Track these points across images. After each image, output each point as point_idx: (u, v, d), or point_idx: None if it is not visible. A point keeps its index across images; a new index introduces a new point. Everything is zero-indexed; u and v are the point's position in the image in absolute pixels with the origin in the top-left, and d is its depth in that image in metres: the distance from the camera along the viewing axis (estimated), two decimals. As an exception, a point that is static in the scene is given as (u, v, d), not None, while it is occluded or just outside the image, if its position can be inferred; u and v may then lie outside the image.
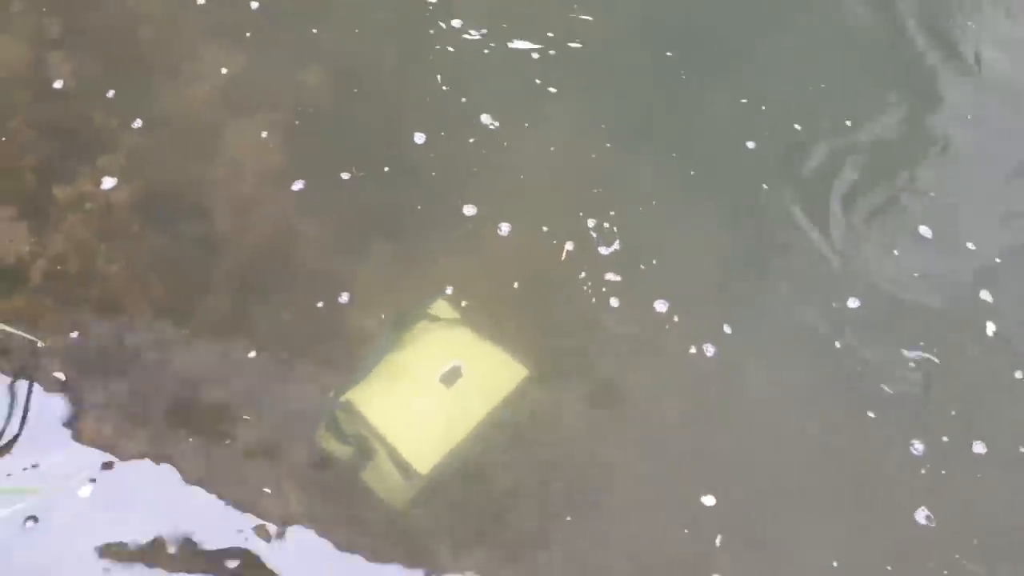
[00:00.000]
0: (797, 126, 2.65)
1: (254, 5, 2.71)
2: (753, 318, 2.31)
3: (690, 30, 2.84)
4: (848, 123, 2.68)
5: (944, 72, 2.84)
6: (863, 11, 2.94)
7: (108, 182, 2.33)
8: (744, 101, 2.69)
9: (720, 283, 2.37)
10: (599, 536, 1.99)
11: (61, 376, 2.05)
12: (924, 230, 2.51)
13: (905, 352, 2.29)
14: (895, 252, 2.47)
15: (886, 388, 2.23)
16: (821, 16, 2.94)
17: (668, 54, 2.77)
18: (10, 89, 2.46)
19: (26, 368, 2.04)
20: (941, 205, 2.57)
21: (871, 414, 2.18)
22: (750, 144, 2.60)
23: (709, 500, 2.04)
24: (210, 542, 1.89)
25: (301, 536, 1.92)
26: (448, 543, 1.94)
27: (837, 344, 2.28)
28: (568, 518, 2.00)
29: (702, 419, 2.16)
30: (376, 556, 1.92)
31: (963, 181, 2.62)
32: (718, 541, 2.00)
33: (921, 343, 2.30)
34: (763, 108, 2.68)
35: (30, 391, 2.02)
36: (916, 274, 2.44)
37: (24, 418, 1.98)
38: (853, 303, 2.35)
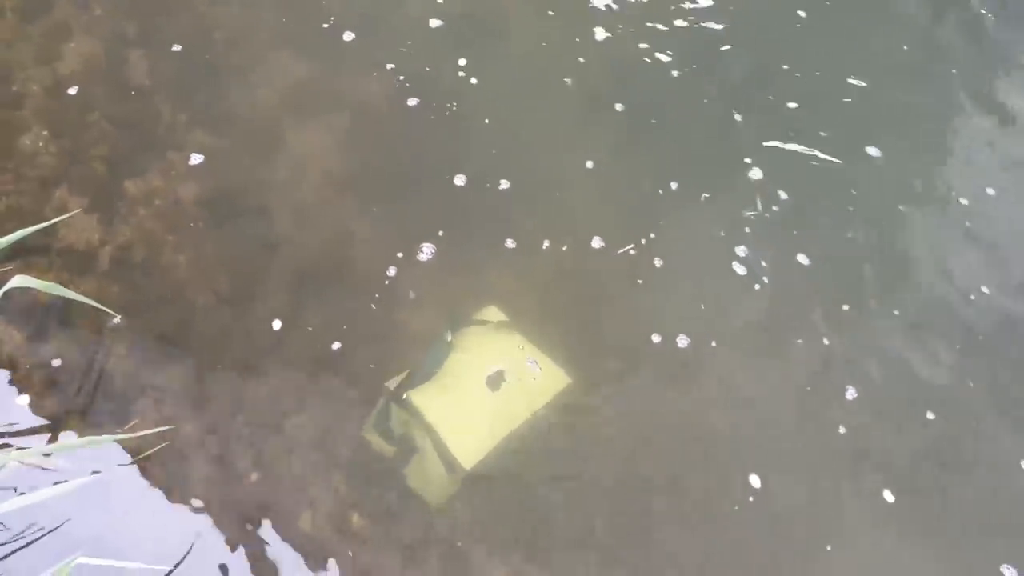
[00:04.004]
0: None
1: (323, 18, 2.83)
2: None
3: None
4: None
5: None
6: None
7: (177, 177, 2.43)
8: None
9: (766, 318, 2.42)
10: (636, 542, 2.03)
11: (124, 356, 2.14)
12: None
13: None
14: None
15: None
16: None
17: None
18: (89, 85, 2.59)
19: (94, 345, 2.14)
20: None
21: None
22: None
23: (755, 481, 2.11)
24: (257, 526, 1.96)
25: (345, 526, 1.98)
26: (485, 545, 1.99)
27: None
28: (605, 524, 2.04)
29: (738, 435, 2.20)
30: (413, 557, 1.97)
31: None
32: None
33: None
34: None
35: (96, 368, 2.11)
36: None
37: (91, 393, 2.07)
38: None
